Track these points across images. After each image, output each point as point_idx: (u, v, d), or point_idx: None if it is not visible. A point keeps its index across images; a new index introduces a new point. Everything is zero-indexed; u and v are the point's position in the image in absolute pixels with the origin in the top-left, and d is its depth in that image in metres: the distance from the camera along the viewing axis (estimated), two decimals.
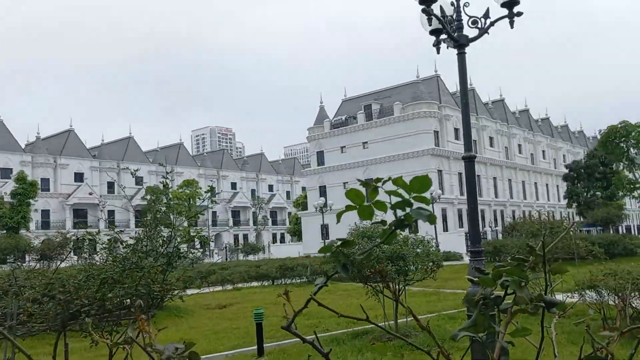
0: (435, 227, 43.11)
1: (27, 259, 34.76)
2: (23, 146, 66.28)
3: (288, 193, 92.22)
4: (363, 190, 1.11)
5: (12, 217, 46.03)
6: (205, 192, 59.21)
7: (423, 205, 0.96)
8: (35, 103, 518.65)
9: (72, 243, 32.38)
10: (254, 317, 9.36)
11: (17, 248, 31.42)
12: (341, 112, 62.60)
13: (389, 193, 1.00)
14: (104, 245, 7.25)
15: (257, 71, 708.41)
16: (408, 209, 0.95)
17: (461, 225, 53.10)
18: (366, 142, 57.72)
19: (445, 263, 16.32)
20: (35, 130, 71.74)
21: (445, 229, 52.50)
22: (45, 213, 63.23)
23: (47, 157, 65.32)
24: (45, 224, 62.07)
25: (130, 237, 6.65)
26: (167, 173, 7.35)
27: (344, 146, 59.21)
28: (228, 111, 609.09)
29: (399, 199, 0.98)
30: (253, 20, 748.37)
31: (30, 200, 49.36)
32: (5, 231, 45.21)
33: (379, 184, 1.01)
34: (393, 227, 0.96)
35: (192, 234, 7.48)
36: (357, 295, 15.39)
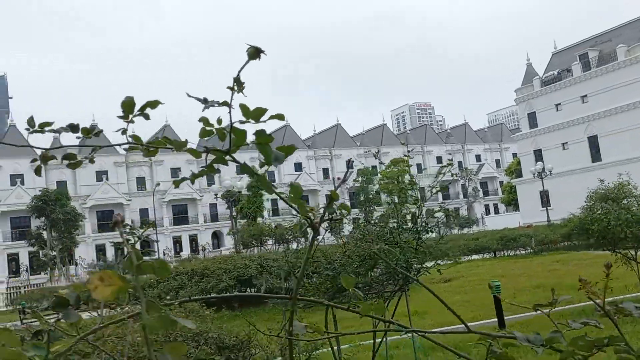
0: None
1: (269, 242, 39.90)
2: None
3: (497, 161, 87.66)
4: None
5: (250, 207, 53.07)
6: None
7: None
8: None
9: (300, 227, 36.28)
10: (494, 289, 9.20)
11: (254, 234, 36.64)
12: (552, 67, 56.93)
13: None
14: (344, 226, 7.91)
15: (446, 41, 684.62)
16: None
17: None
18: (585, 96, 51.49)
19: None
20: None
21: None
22: (274, 202, 70.88)
23: None
24: (275, 212, 69.67)
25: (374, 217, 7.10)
26: (377, 153, 7.64)
27: (559, 103, 53.76)
28: (424, 86, 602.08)
29: None
30: None
31: (263, 192, 56.01)
32: (245, 220, 52.20)
33: None
34: None
35: (437, 210, 7.64)
36: (596, 265, 13.92)
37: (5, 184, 58.92)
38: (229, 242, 63.36)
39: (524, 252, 24.92)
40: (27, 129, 1.12)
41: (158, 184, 61.14)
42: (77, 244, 50.23)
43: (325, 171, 76.43)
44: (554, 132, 53.59)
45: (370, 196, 67.63)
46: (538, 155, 54.16)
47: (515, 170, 63.72)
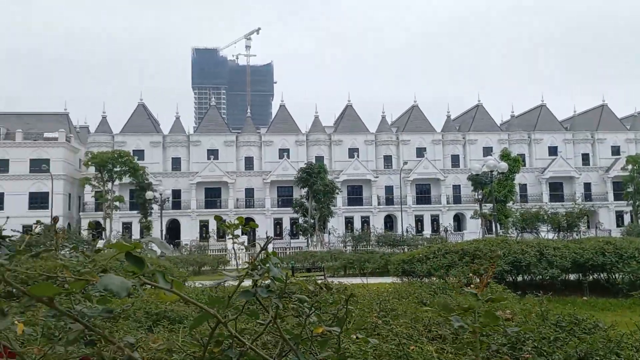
0: None
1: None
2: (499, 124, 71.56)
3: None
4: None
5: (500, 190, 50.32)
6: None
7: None
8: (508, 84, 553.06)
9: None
10: None
11: (528, 219, 34.98)
12: None
13: None
14: None
15: None
16: None
17: None
18: None
19: None
20: (509, 110, 76.29)
21: None
22: (523, 187, 66.13)
23: (522, 133, 68.31)
24: (522, 197, 65.03)
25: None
26: None
27: None
28: None
29: None
30: None
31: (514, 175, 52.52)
32: (493, 204, 49.72)
33: None
34: None
35: None
36: None
37: (274, 157, 67.31)
38: (470, 225, 61.56)
39: None
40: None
41: (405, 163, 62.56)
42: (333, 214, 54.65)
43: (585, 157, 68.21)
44: None
45: None
46: None
47: None
